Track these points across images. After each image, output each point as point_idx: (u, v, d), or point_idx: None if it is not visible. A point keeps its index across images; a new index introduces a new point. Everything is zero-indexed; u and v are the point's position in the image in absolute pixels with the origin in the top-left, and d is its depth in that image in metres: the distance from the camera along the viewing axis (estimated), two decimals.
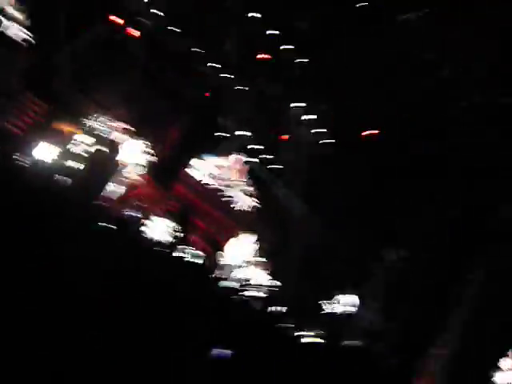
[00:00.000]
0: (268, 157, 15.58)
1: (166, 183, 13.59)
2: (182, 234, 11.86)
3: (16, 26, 11.36)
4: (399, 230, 14.08)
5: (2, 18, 11.24)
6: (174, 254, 10.74)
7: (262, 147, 15.50)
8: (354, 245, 13.97)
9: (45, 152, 10.63)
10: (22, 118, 11.56)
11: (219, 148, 14.55)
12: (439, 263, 13.33)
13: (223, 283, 11.18)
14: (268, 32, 13.76)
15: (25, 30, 11.42)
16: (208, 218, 13.21)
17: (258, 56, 14.29)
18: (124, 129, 12.73)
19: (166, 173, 13.75)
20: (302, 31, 13.91)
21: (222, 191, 14.08)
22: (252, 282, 12.11)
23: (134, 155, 12.13)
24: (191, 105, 14.97)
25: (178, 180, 13.73)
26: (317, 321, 12.47)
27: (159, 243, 10.77)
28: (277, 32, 13.95)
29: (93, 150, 11.16)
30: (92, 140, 11.52)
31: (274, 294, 12.39)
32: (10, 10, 11.36)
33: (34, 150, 10.46)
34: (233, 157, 14.28)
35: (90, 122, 12.55)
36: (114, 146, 11.31)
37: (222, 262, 12.15)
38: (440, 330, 12.67)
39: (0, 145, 9.51)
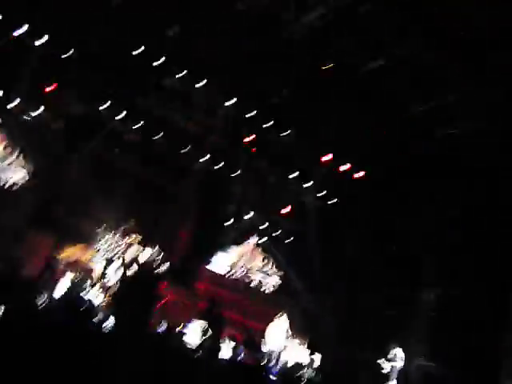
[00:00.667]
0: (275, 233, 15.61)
1: (188, 285, 13.41)
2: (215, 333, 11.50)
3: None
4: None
5: None
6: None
7: (267, 224, 15.54)
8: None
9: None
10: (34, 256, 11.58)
11: (232, 236, 14.56)
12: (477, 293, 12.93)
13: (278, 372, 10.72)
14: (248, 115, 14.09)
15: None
16: (239, 307, 12.92)
17: (245, 140, 14.61)
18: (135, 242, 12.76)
19: (185, 274, 13.61)
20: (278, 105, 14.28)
21: (248, 277, 13.93)
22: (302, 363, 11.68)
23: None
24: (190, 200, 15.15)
25: (199, 279, 13.56)
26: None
27: (200, 347, 10.43)
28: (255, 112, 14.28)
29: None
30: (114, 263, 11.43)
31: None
32: None
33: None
34: (249, 241, 14.24)
35: (101, 246, 12.60)
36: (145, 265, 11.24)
37: (266, 350, 11.73)
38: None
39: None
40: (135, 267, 10.33)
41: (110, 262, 11.52)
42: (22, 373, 2.53)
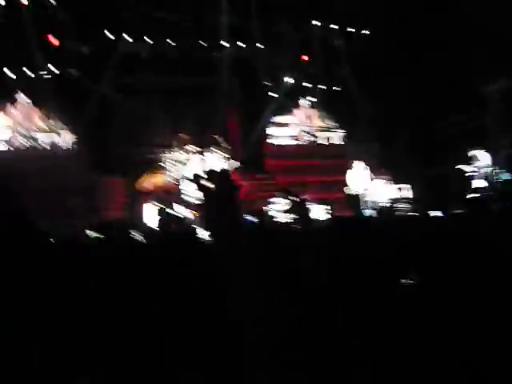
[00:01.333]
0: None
1: (259, 168, 13.66)
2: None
3: None
4: None
5: None
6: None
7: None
8: None
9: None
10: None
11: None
12: None
13: None
14: None
15: None
16: (314, 170, 13.13)
17: None
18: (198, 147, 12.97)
19: (250, 161, 13.80)
20: None
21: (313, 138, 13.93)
22: None
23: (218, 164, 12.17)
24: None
25: (266, 157, 13.77)
26: None
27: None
28: None
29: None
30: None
31: None
32: None
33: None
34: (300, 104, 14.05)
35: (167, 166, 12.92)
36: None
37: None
38: None
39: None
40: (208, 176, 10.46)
41: (183, 178, 11.73)
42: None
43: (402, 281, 2.86)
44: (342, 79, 14.78)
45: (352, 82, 14.41)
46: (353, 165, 12.49)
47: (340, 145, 14.15)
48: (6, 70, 12.48)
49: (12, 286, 2.34)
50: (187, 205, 11.38)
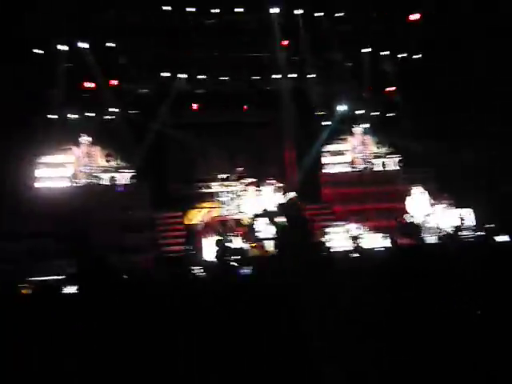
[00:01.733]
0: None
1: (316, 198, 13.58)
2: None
3: None
4: None
5: None
6: None
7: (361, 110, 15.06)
8: None
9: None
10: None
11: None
12: None
13: None
14: None
15: None
16: (372, 197, 12.91)
17: None
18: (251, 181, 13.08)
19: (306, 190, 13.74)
20: None
21: (369, 164, 13.76)
22: None
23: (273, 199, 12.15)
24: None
25: (321, 186, 13.69)
26: None
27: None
28: None
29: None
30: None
31: None
32: None
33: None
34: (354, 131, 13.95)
35: (222, 198, 13.09)
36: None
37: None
38: None
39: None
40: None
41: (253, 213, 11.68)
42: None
43: (477, 312, 2.77)
44: (395, 104, 14.63)
45: (406, 107, 14.22)
46: (411, 191, 12.17)
47: (396, 170, 13.90)
48: (69, 115, 13.17)
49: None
50: (248, 238, 11.44)
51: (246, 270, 5.30)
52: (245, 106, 14.68)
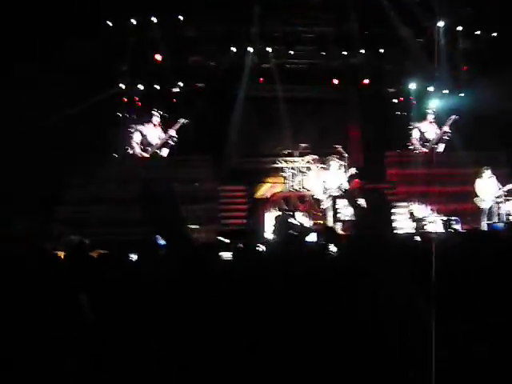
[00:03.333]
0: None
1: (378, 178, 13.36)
2: None
3: None
4: None
5: None
6: None
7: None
8: None
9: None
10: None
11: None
12: None
13: None
14: None
15: None
16: (438, 179, 12.54)
17: None
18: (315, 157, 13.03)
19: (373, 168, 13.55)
20: None
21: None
22: None
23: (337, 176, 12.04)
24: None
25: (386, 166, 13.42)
26: None
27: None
28: None
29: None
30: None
31: None
32: None
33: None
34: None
35: (285, 174, 13.13)
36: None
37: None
38: None
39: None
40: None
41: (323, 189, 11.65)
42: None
43: None
44: (467, 81, 14.03)
45: (478, 82, 13.59)
46: (481, 174, 11.68)
47: (465, 152, 13.37)
48: (139, 85, 13.48)
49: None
50: (313, 215, 11.46)
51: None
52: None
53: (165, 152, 12.54)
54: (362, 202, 5.04)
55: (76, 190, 11.62)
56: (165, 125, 12.59)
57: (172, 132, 11.84)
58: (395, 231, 8.09)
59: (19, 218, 9.53)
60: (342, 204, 11.17)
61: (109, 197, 11.30)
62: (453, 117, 11.89)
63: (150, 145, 12.40)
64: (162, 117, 12.52)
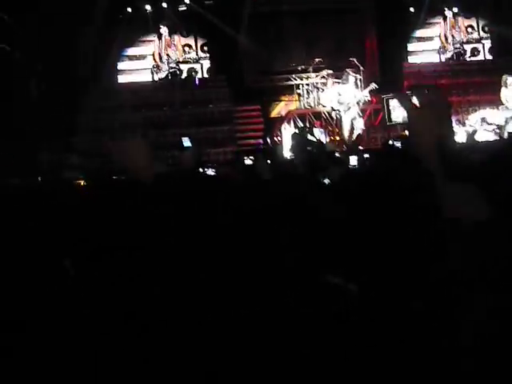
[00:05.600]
0: None
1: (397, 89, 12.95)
2: None
3: None
4: None
5: None
6: None
7: None
8: None
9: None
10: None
11: None
12: None
13: None
14: None
15: None
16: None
17: None
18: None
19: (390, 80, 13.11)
20: None
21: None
22: None
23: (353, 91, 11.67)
24: None
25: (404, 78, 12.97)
26: None
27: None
28: None
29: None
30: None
31: None
32: None
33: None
34: None
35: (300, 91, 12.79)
36: None
37: None
38: None
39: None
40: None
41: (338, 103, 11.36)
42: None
43: None
44: None
45: None
46: (506, 81, 11.22)
47: (490, 58, 12.84)
48: (147, 6, 12.96)
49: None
50: (329, 131, 11.29)
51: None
52: None
53: None
54: (415, 100, 4.80)
55: (89, 119, 11.52)
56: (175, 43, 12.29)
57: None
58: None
59: (40, 151, 9.60)
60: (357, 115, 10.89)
61: (122, 124, 11.22)
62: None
63: None
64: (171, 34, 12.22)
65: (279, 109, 13.23)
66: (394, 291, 1.95)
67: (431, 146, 2.04)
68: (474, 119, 10.86)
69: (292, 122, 12.08)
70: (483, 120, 10.70)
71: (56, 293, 2.05)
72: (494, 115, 10.76)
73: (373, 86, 11.37)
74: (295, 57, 13.67)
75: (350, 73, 11.73)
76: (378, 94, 11.86)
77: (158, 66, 12.78)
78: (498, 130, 10.28)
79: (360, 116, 11.01)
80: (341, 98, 11.08)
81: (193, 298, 1.89)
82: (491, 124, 10.60)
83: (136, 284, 2.00)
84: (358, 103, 11.02)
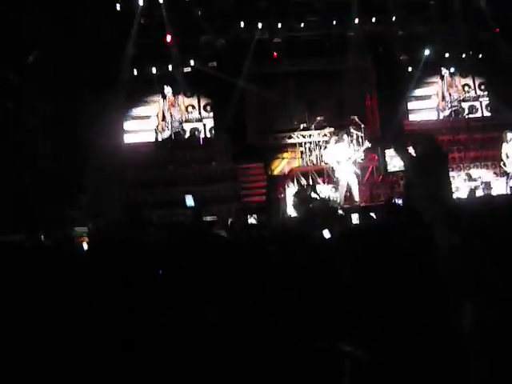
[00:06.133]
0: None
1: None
2: None
3: None
4: None
5: None
6: None
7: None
8: None
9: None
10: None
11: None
12: None
13: None
14: None
15: None
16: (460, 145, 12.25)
17: None
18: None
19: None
20: None
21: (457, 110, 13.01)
22: None
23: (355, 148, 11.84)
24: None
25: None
26: None
27: None
28: None
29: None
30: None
31: None
32: None
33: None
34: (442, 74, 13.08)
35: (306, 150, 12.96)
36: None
37: None
38: None
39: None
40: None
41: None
42: None
43: None
44: (488, 43, 13.59)
45: (499, 43, 13.17)
46: (505, 137, 11.36)
47: (489, 115, 13.06)
48: (153, 68, 13.36)
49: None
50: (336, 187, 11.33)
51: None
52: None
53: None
54: (411, 150, 4.74)
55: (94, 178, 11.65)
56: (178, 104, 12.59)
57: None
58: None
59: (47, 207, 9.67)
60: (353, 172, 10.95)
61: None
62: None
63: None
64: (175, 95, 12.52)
65: (282, 166, 13.37)
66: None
67: (428, 195, 2.05)
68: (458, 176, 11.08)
69: (295, 179, 12.17)
70: (469, 176, 10.94)
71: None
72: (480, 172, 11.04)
73: (367, 144, 11.50)
74: (297, 115, 13.95)
75: (351, 130, 11.93)
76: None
77: (161, 126, 13.04)
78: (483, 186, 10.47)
79: (356, 174, 11.01)
80: (337, 156, 11.12)
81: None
82: (475, 180, 10.80)
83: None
84: (353, 162, 11.03)
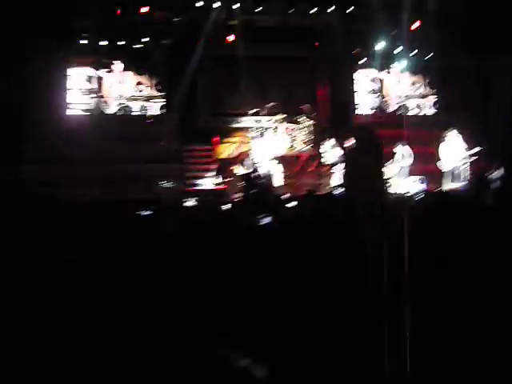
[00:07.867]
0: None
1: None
2: None
3: None
4: None
5: None
6: None
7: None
8: None
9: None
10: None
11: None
12: None
13: None
14: None
15: None
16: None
17: None
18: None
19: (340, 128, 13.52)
20: None
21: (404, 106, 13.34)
22: None
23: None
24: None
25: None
26: None
27: None
28: None
29: None
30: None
31: None
32: None
33: None
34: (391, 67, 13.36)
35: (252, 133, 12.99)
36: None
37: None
38: None
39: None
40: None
41: None
42: None
43: None
44: (437, 44, 13.98)
45: (449, 45, 13.57)
46: (446, 135, 11.79)
47: (431, 113, 13.49)
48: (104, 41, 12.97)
49: None
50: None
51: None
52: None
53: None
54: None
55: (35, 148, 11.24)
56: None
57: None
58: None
59: None
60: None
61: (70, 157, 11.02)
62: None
63: None
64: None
65: (231, 150, 13.35)
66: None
67: (360, 187, 2.18)
68: None
69: (244, 163, 12.20)
70: None
71: None
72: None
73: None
74: (249, 100, 13.92)
75: (301, 119, 12.06)
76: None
77: (106, 102, 12.74)
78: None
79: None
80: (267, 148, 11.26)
81: None
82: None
83: None
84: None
